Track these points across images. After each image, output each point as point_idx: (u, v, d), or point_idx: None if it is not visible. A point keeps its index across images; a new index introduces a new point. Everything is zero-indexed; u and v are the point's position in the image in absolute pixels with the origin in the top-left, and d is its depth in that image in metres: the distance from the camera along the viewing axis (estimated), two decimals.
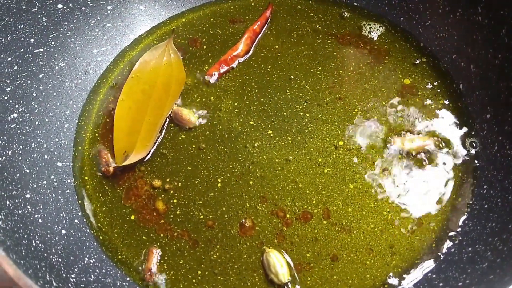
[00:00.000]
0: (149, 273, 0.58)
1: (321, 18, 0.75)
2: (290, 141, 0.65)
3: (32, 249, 0.52)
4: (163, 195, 0.63)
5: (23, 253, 0.50)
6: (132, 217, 0.62)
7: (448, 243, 0.58)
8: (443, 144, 0.63)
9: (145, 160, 0.65)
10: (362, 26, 0.74)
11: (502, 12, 0.62)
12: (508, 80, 0.63)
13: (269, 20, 0.75)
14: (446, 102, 0.67)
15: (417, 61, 0.71)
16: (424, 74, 0.70)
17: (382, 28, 0.74)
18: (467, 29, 0.68)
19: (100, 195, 0.63)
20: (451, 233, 0.59)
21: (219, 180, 0.63)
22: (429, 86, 0.69)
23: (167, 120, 0.67)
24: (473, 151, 0.64)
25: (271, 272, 0.56)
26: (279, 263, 0.56)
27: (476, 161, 0.63)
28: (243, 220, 0.60)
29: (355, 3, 0.76)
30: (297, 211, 0.61)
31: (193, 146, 0.66)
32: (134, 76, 0.70)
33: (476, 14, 0.66)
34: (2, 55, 0.60)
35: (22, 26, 0.62)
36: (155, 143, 0.66)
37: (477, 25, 0.66)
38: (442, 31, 0.71)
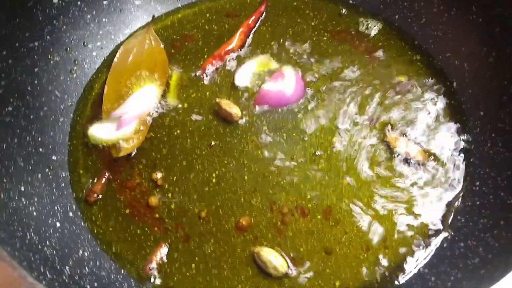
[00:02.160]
0: (149, 266, 0.58)
1: (316, 15, 0.76)
2: (285, 137, 0.65)
3: (27, 241, 0.52)
4: (157, 190, 0.63)
5: (18, 246, 0.50)
6: (127, 211, 0.62)
7: (441, 239, 0.59)
8: (433, 158, 0.63)
9: (140, 152, 0.65)
10: (359, 23, 0.75)
11: (496, 11, 0.63)
12: (501, 78, 0.63)
13: (264, 17, 0.76)
14: (440, 99, 0.68)
15: (412, 59, 0.71)
16: (418, 72, 0.70)
17: (379, 26, 0.74)
18: (461, 28, 0.68)
19: None
20: (443, 229, 0.59)
21: (214, 175, 0.63)
22: (424, 83, 0.69)
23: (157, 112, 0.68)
24: (466, 148, 0.64)
25: (269, 268, 0.57)
26: (273, 256, 0.57)
27: (469, 158, 0.63)
28: (238, 215, 0.61)
29: (350, 1, 0.76)
30: (291, 206, 0.61)
31: (188, 141, 0.66)
32: (117, 62, 0.70)
33: (470, 13, 0.67)
34: None
35: (17, 20, 0.62)
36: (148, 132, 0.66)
37: (472, 24, 0.67)
38: (437, 30, 0.71)
